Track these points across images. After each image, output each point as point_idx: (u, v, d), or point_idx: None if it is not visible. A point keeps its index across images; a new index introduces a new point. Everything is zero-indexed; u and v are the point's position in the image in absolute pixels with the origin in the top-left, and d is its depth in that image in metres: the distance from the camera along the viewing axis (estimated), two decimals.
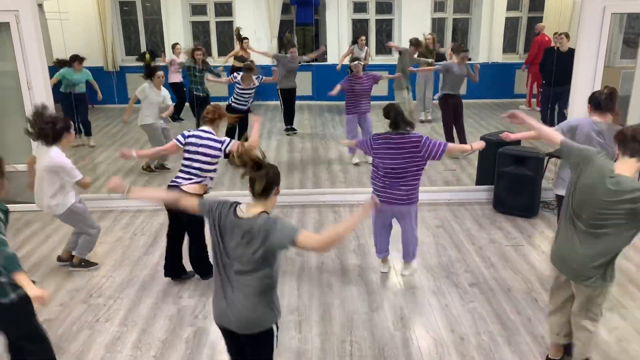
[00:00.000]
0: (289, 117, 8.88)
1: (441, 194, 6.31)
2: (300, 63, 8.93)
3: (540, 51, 9.83)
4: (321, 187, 6.61)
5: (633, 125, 3.07)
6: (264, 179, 2.55)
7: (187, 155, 4.23)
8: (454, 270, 4.70)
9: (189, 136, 4.25)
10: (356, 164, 7.38)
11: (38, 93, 5.65)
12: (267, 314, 2.61)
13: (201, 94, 8.23)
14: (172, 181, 4.27)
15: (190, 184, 4.18)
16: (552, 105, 8.46)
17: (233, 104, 7.43)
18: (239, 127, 7.21)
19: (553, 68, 7.79)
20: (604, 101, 4.07)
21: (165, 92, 7.06)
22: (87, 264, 4.80)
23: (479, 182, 6.44)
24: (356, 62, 7.02)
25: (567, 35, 8.15)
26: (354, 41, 10.09)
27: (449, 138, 7.56)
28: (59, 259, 4.88)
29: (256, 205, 2.59)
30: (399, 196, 4.18)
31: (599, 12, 5.52)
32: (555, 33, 8.91)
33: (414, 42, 8.54)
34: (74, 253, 4.78)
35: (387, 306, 4.18)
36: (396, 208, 4.25)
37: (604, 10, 5.50)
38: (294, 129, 8.93)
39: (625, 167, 2.90)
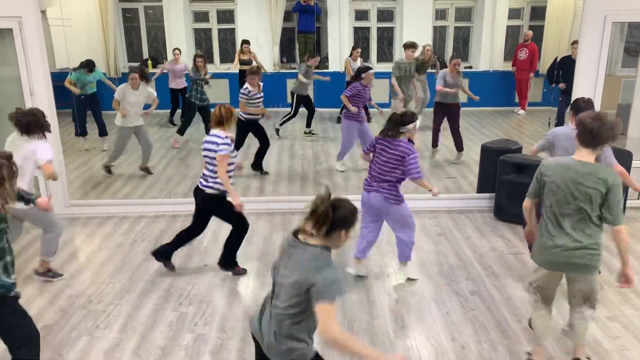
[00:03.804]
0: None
1: (442, 201, 6.29)
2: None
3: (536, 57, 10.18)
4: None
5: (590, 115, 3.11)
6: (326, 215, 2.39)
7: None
8: (454, 278, 4.69)
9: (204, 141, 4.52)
10: (341, 171, 7.42)
11: (40, 99, 5.66)
12: None
13: (205, 103, 8.44)
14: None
15: (206, 186, 4.48)
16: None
17: (245, 115, 7.11)
18: (248, 135, 7.22)
19: (571, 75, 7.89)
20: (584, 107, 4.08)
21: (145, 92, 7.09)
22: (54, 274, 4.69)
23: (480, 189, 6.44)
24: (371, 71, 7.05)
25: None
26: (351, 52, 10.09)
27: (434, 143, 7.92)
28: (37, 272, 4.71)
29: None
30: None
31: (600, 21, 5.54)
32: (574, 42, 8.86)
33: (409, 45, 8.46)
34: (41, 258, 4.65)
35: (387, 314, 4.16)
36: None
37: (605, 19, 5.52)
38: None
39: (580, 156, 3.08)
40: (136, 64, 11.24)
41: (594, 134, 3.00)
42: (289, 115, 8.98)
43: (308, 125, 9.28)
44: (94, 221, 5.97)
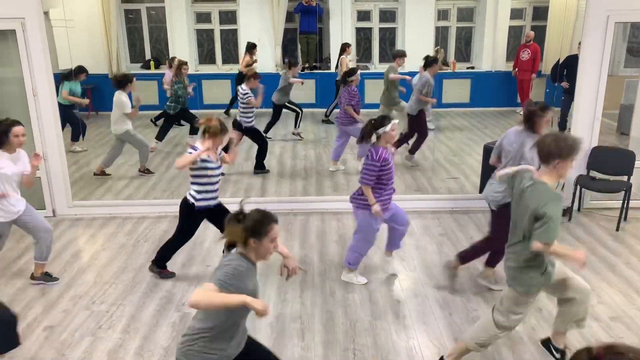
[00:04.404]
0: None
1: (445, 202, 6.31)
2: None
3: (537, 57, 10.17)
4: (324, 194, 6.61)
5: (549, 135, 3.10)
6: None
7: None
8: (457, 279, 4.68)
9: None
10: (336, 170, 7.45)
11: (43, 100, 5.68)
12: None
13: (186, 106, 8.24)
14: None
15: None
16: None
17: (242, 120, 7.27)
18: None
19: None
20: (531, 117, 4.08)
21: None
22: (49, 278, 4.65)
23: (482, 190, 6.42)
24: (358, 73, 7.21)
25: None
26: (342, 49, 10.04)
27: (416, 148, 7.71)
28: (32, 277, 4.68)
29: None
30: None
31: (603, 21, 5.53)
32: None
33: (400, 54, 8.46)
34: (35, 262, 4.61)
35: (390, 314, 4.16)
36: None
37: (608, 19, 5.51)
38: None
39: (543, 175, 3.03)
40: (138, 65, 11.28)
41: (548, 150, 2.96)
42: (297, 115, 8.93)
43: (267, 130, 8.83)
44: (97, 222, 5.98)
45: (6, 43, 5.63)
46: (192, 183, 4.38)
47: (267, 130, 8.75)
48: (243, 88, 7.19)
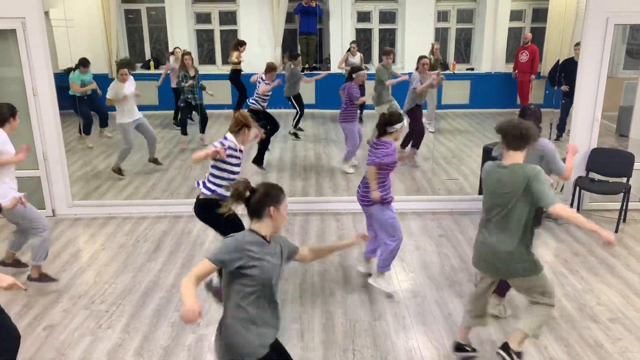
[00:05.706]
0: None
1: (444, 203, 6.32)
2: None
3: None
4: (324, 195, 6.62)
5: (507, 121, 3.36)
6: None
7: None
8: (457, 280, 4.69)
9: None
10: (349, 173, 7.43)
11: (43, 99, 5.68)
12: None
13: (193, 102, 8.38)
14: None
15: (204, 187, 4.17)
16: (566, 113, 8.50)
17: (252, 104, 7.43)
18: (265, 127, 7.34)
19: (574, 77, 7.81)
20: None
21: (130, 83, 7.16)
22: (48, 279, 4.54)
23: (481, 191, 6.44)
24: (363, 72, 7.21)
25: None
26: (349, 49, 10.10)
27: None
28: (3, 263, 4.62)
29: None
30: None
31: (602, 23, 5.55)
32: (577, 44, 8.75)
33: (387, 52, 8.48)
34: (32, 263, 4.48)
35: (389, 315, 4.17)
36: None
37: (607, 21, 5.53)
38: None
39: (513, 159, 3.30)
40: (139, 65, 11.28)
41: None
42: (297, 114, 8.95)
43: (295, 125, 9.09)
44: (97, 222, 5.98)
45: (6, 42, 5.64)
46: (216, 177, 4.09)
47: (296, 125, 8.98)
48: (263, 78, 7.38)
